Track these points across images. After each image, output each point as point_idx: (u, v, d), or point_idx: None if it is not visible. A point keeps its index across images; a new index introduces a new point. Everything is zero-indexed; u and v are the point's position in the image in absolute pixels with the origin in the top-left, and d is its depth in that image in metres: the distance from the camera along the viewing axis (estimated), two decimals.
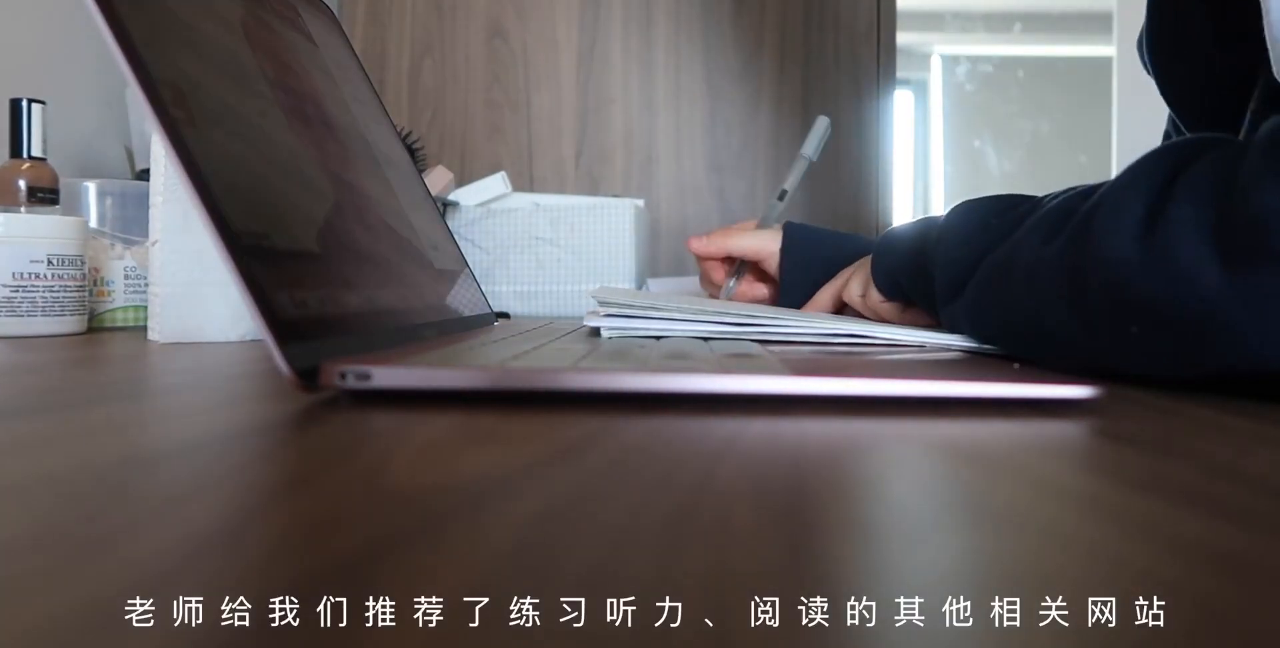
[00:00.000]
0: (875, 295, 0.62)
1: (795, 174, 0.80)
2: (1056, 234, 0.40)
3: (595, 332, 0.52)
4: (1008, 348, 0.45)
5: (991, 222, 0.47)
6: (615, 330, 0.50)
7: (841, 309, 0.69)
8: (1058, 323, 0.39)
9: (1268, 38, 0.39)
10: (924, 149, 3.80)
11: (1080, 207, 0.39)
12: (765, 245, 0.75)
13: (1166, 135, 0.67)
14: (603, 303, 0.51)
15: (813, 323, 0.51)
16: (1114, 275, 0.36)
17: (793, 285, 0.72)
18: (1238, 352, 0.33)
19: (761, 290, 0.78)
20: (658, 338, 0.49)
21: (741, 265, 0.78)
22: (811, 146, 0.81)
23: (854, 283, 0.65)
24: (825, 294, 0.70)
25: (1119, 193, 0.37)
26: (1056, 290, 0.39)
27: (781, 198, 0.79)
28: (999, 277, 0.44)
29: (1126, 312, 0.36)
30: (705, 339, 0.48)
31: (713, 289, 0.80)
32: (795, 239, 0.74)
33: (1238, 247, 0.32)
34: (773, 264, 0.75)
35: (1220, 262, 0.32)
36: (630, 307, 0.51)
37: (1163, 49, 0.59)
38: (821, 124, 0.81)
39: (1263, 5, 0.39)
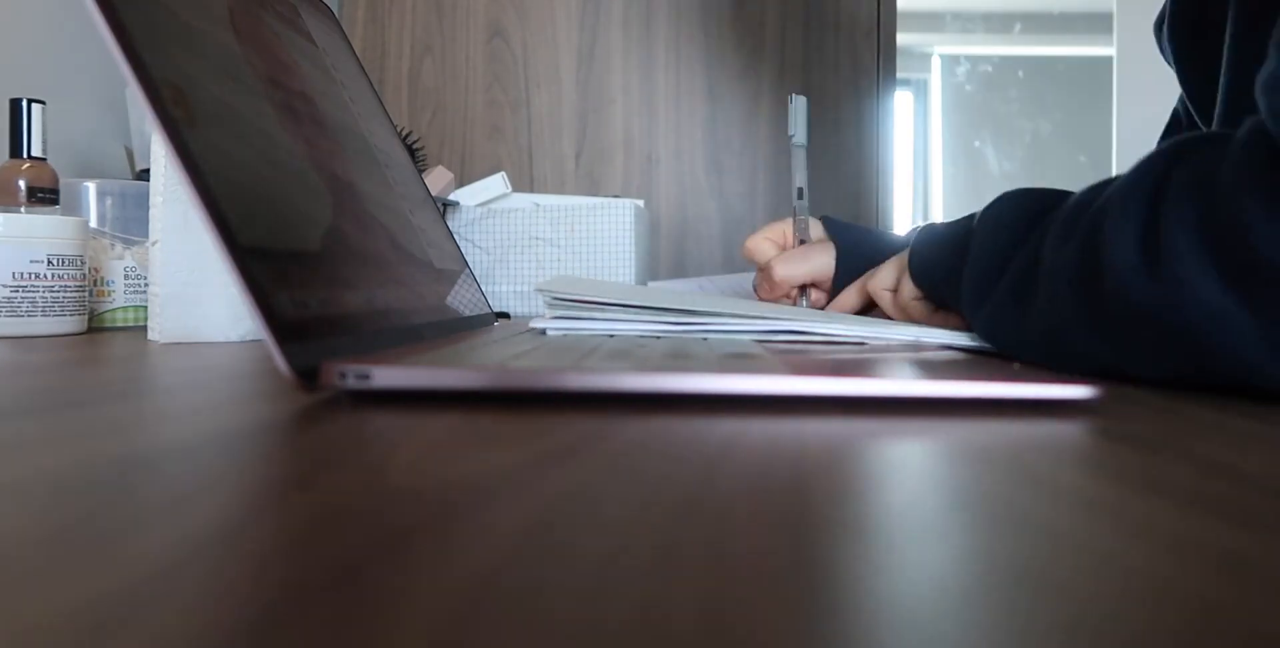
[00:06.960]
0: (909, 289, 0.59)
1: (800, 166, 0.79)
2: (1072, 235, 0.39)
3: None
4: (1028, 356, 0.43)
5: (1022, 221, 0.45)
6: (560, 329, 0.52)
7: (869, 308, 0.68)
8: (1078, 334, 0.39)
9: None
10: (924, 149, 3.80)
11: (1094, 202, 0.39)
12: (821, 270, 0.75)
13: (1174, 114, 0.66)
14: (551, 305, 0.53)
15: (752, 321, 0.51)
16: (1121, 281, 0.35)
17: (843, 287, 0.72)
18: (1242, 363, 0.32)
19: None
20: (610, 336, 0.50)
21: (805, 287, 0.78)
22: (801, 132, 0.80)
23: (884, 272, 0.63)
24: (850, 291, 0.68)
25: (1124, 193, 0.36)
26: (1075, 296, 0.38)
27: (800, 196, 0.79)
28: (1024, 280, 0.42)
29: (1134, 318, 0.35)
30: (656, 337, 0.50)
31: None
32: (847, 249, 0.74)
33: (1233, 258, 0.31)
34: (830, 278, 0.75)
35: (1216, 271, 0.32)
36: (577, 301, 0.53)
37: (1183, 26, 0.58)
38: (800, 104, 0.80)
39: None
